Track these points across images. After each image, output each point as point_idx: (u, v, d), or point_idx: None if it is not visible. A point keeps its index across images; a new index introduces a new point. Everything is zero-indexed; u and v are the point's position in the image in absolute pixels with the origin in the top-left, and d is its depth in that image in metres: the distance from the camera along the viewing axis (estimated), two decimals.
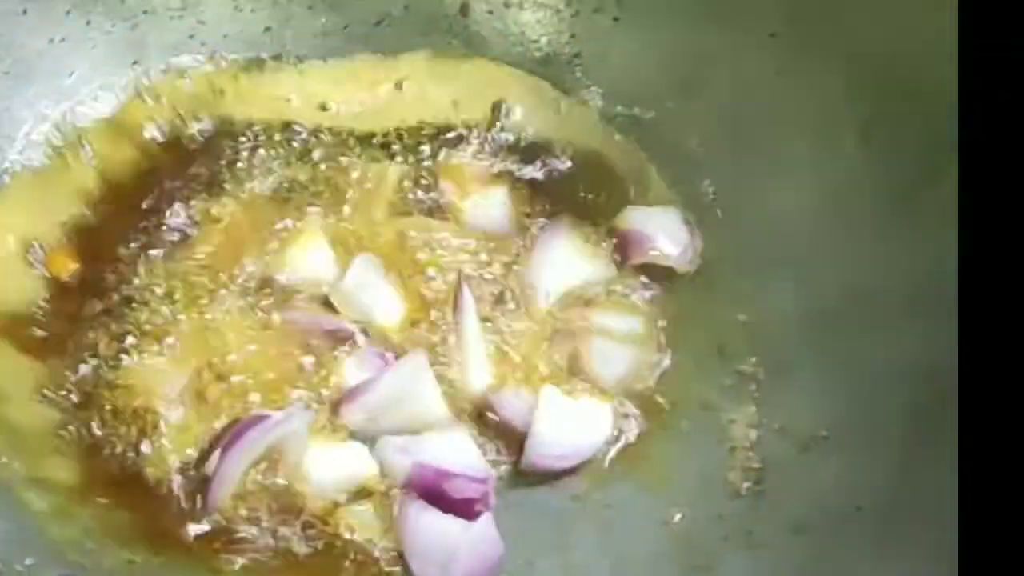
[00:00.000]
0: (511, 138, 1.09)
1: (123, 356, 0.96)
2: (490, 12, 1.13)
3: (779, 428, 0.96)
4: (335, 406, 0.94)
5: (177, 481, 0.91)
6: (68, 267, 0.98)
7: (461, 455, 0.92)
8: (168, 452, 0.93)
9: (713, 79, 1.07)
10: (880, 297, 0.94)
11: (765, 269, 1.02)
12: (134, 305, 0.99)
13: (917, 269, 0.91)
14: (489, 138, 1.09)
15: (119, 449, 0.93)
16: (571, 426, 0.95)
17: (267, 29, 1.12)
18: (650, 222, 1.04)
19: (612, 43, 1.11)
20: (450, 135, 1.10)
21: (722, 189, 1.06)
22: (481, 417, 0.97)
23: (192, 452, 0.93)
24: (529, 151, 1.09)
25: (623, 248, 1.03)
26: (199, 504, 0.91)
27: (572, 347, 1.00)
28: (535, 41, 1.13)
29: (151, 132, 1.07)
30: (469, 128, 1.10)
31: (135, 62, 1.09)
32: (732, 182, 1.06)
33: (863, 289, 0.96)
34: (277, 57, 1.13)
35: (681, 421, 0.99)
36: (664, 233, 1.04)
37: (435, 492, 0.90)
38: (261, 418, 0.92)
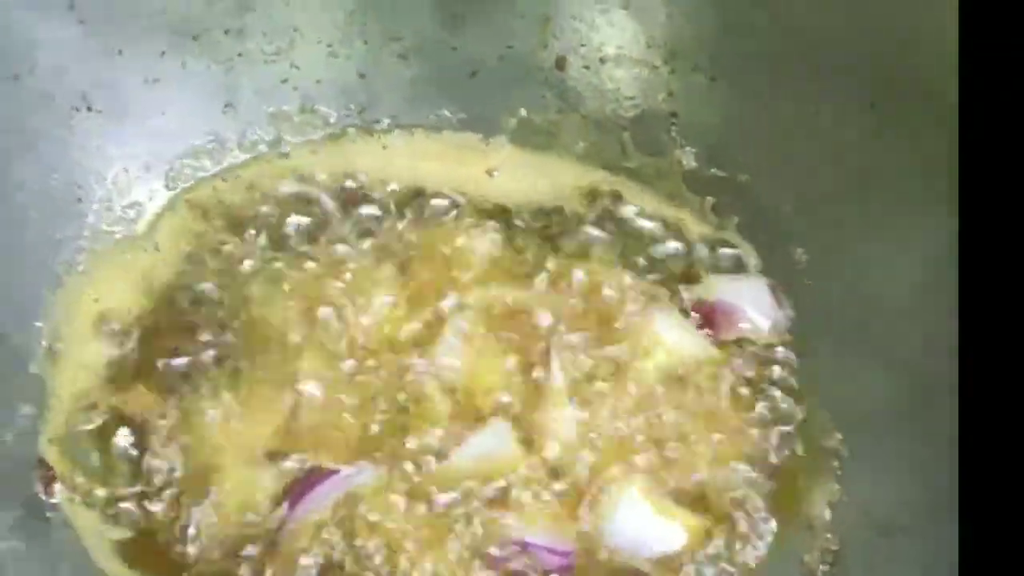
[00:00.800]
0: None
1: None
2: (586, 67, 1.12)
3: (860, 510, 0.92)
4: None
5: None
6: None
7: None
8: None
9: (808, 143, 1.04)
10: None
11: (854, 342, 0.98)
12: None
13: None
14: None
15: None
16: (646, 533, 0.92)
17: (361, 76, 1.11)
18: (738, 292, 1.01)
19: (708, 103, 1.09)
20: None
21: (814, 257, 1.03)
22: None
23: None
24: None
25: (711, 322, 1.00)
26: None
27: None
28: (631, 98, 1.12)
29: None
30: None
31: (228, 105, 1.08)
32: (824, 251, 1.03)
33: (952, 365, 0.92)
34: (366, 130, 1.11)
35: None
36: (753, 305, 1.01)
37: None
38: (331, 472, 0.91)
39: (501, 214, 1.08)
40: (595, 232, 1.07)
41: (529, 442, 0.95)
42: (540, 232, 1.06)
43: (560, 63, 1.12)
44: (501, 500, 0.92)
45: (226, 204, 1.07)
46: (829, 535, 0.93)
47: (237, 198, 1.07)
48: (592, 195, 1.09)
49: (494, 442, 0.94)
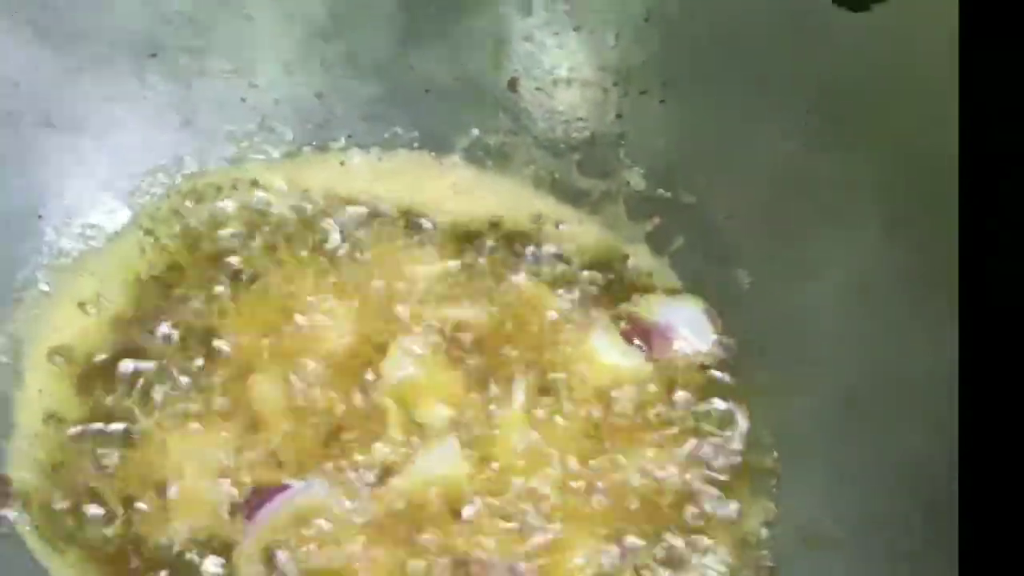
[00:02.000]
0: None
1: None
2: (538, 88, 1.14)
3: (795, 527, 0.95)
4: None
5: None
6: None
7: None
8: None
9: (753, 164, 1.07)
10: (901, 391, 0.94)
11: (792, 363, 1.02)
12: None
13: (936, 365, 0.90)
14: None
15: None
16: None
17: (318, 95, 1.13)
18: (674, 313, 1.05)
19: (657, 124, 1.12)
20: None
21: (756, 279, 1.06)
22: None
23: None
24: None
25: (647, 342, 1.03)
26: None
27: None
28: (581, 119, 1.14)
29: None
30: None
31: (186, 122, 1.10)
32: (768, 269, 1.06)
33: (884, 383, 0.95)
34: (322, 147, 1.13)
35: None
36: (688, 326, 1.04)
37: None
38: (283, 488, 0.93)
39: (453, 234, 1.09)
40: (540, 252, 1.08)
41: (480, 459, 0.97)
42: (489, 252, 1.08)
43: (512, 84, 1.14)
44: (452, 515, 0.94)
45: (184, 220, 1.08)
46: (764, 552, 0.95)
47: (193, 217, 1.08)
48: (539, 218, 1.10)
49: (444, 458, 0.96)
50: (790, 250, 1.05)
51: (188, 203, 1.09)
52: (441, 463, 0.96)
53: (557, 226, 1.12)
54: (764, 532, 0.96)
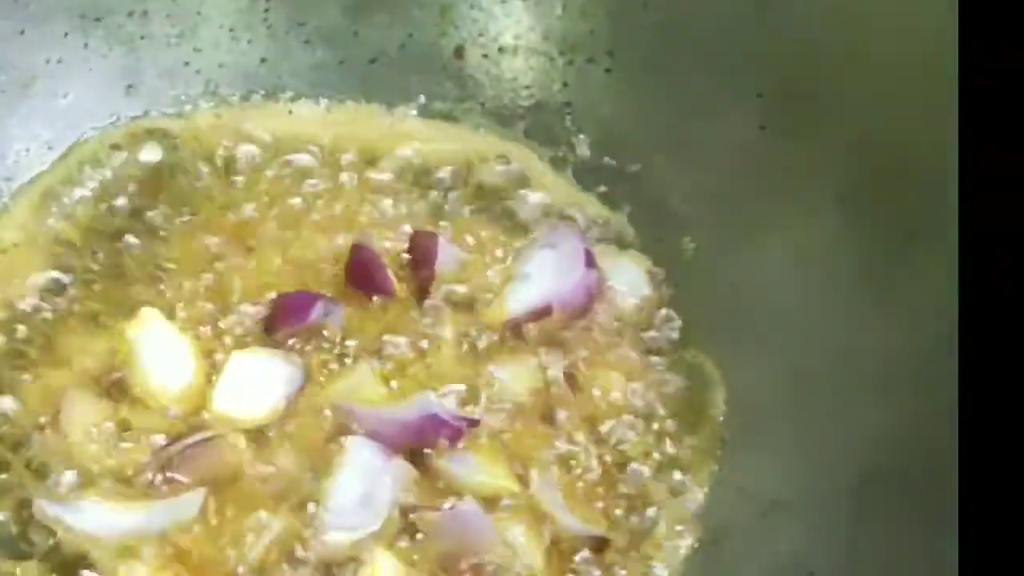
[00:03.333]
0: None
1: None
2: (484, 56, 1.14)
3: (738, 490, 0.96)
4: None
5: None
6: None
7: None
8: None
9: (700, 135, 1.07)
10: (852, 364, 0.95)
11: (740, 330, 1.02)
12: None
13: (884, 343, 0.92)
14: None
15: None
16: None
17: (263, 60, 1.13)
18: (615, 265, 1.06)
19: (603, 94, 1.13)
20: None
21: (702, 247, 1.06)
22: None
23: None
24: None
25: None
26: None
27: None
28: (527, 87, 1.14)
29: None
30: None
31: (130, 86, 1.10)
32: (713, 241, 1.06)
33: (835, 356, 0.96)
34: (271, 95, 1.13)
35: None
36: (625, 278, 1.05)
37: None
38: None
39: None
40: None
41: None
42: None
43: (459, 51, 1.15)
44: None
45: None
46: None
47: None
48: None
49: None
50: (737, 222, 1.05)
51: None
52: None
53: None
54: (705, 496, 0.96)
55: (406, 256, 1.05)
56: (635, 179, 1.11)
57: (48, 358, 0.96)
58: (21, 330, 0.98)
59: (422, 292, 1.03)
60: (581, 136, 1.13)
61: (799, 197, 1.02)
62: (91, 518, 0.88)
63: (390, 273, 1.03)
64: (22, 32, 1.06)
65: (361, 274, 1.02)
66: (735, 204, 1.06)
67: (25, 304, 1.00)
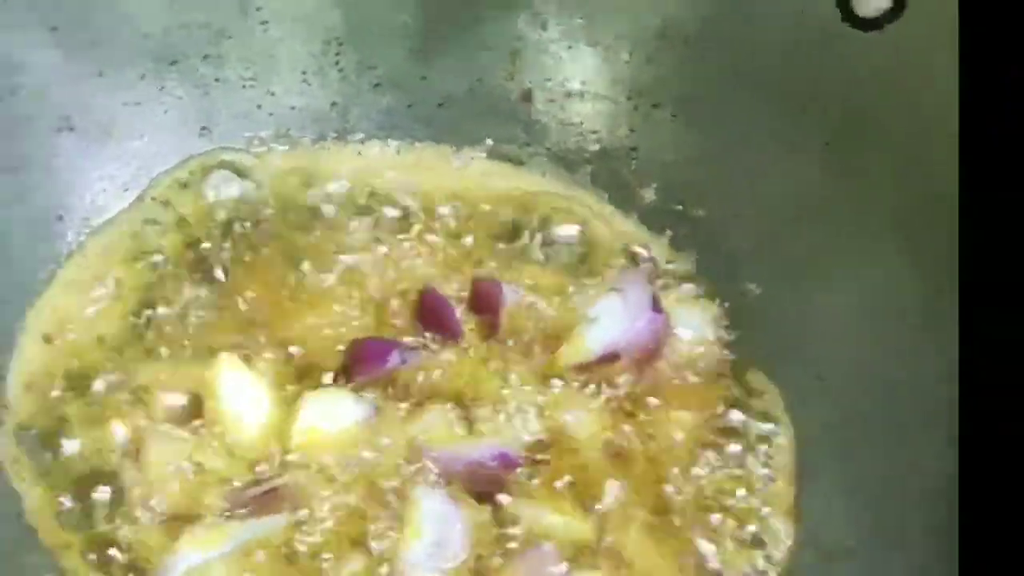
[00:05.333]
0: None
1: None
2: (551, 101, 1.16)
3: (807, 533, 0.97)
4: None
5: None
6: None
7: None
8: None
9: (764, 181, 1.09)
10: (909, 410, 0.96)
11: (805, 374, 1.03)
12: None
13: (941, 388, 0.92)
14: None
15: None
16: None
17: (333, 104, 1.15)
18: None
19: (668, 139, 1.14)
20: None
21: (767, 290, 1.08)
22: None
23: None
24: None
25: None
26: None
27: None
28: (594, 132, 1.16)
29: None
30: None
31: (204, 128, 1.12)
32: (776, 284, 1.08)
33: (892, 402, 0.97)
34: (341, 137, 1.15)
35: None
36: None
37: None
38: None
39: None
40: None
41: None
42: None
43: (526, 96, 1.16)
44: None
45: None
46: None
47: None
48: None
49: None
50: (800, 265, 1.07)
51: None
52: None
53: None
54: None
55: (470, 300, 1.06)
56: (700, 223, 1.12)
57: (130, 397, 0.97)
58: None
59: (489, 337, 1.03)
60: (647, 181, 1.13)
61: (861, 239, 1.04)
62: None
63: (459, 316, 1.03)
64: (100, 74, 1.08)
65: (431, 317, 1.03)
66: (798, 247, 1.07)
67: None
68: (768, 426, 1.02)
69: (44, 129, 1.06)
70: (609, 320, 1.04)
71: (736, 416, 1.03)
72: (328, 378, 0.99)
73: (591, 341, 1.04)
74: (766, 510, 0.98)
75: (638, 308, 1.05)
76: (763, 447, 1.01)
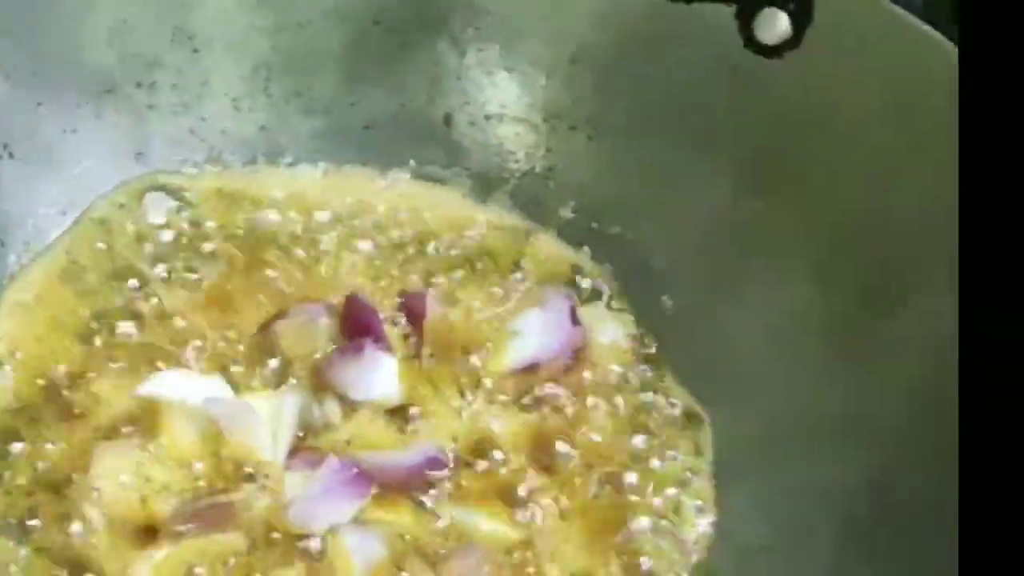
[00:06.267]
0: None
1: None
2: (471, 124, 1.22)
3: (723, 533, 1.03)
4: None
5: None
6: None
7: None
8: None
9: (678, 199, 1.15)
10: (822, 422, 1.03)
11: (717, 384, 1.10)
12: None
13: (859, 400, 1.00)
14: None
15: None
16: None
17: (262, 128, 1.20)
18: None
19: (584, 159, 1.20)
20: None
21: (681, 305, 1.14)
22: None
23: None
24: None
25: None
26: None
27: None
28: (512, 152, 1.21)
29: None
30: None
31: (139, 154, 1.16)
32: (691, 299, 1.14)
33: (804, 413, 1.04)
34: (272, 160, 1.20)
35: None
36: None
37: None
38: None
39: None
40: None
41: None
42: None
43: (447, 120, 1.22)
44: None
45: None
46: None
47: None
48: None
49: None
50: (714, 282, 1.12)
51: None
52: None
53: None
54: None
55: (399, 316, 1.11)
56: (616, 241, 1.18)
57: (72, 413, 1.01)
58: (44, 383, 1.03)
59: (416, 349, 1.09)
60: (564, 199, 1.20)
61: (774, 258, 1.10)
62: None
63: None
64: (39, 103, 1.11)
65: (356, 324, 1.08)
66: (713, 264, 1.13)
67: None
68: (687, 431, 1.08)
69: None
70: (531, 333, 1.10)
71: (652, 424, 1.09)
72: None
73: (514, 352, 1.09)
74: (688, 505, 1.04)
75: (557, 322, 1.10)
76: (681, 448, 1.07)
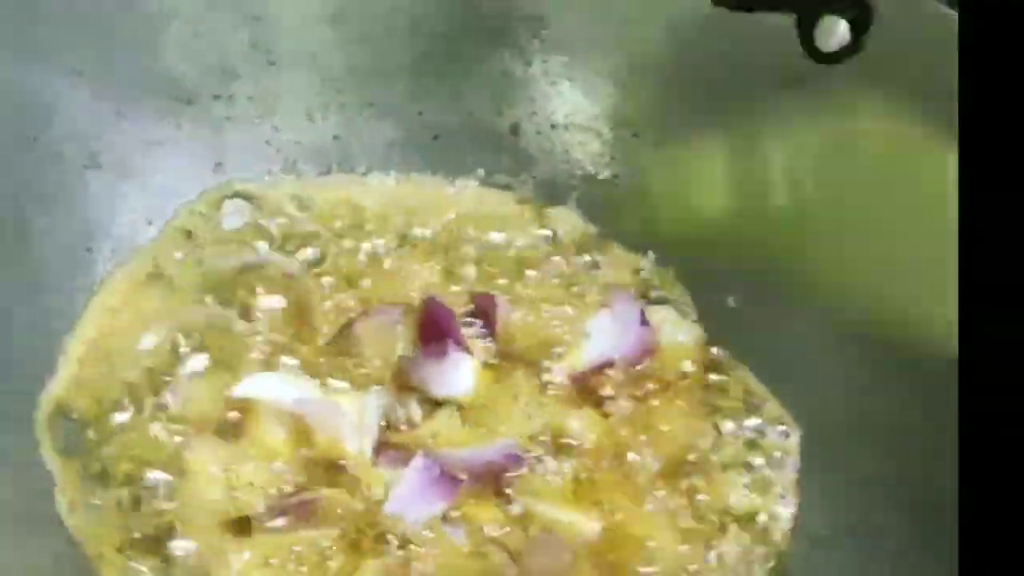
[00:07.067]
0: None
1: None
2: (538, 132, 1.25)
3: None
4: None
5: None
6: None
7: None
8: None
9: (744, 206, 1.18)
10: (878, 420, 1.06)
11: (779, 384, 1.13)
12: None
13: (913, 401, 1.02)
14: None
15: None
16: None
17: (335, 138, 1.23)
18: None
19: (649, 166, 1.23)
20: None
21: (744, 305, 1.17)
22: None
23: None
24: None
25: None
26: None
27: None
28: (578, 160, 1.25)
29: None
30: None
31: (218, 164, 1.20)
32: (754, 303, 1.17)
33: (866, 412, 1.07)
34: (344, 169, 1.24)
35: None
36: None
37: None
38: None
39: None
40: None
41: None
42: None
43: (514, 129, 1.25)
44: None
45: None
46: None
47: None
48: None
49: None
50: (777, 286, 1.15)
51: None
52: None
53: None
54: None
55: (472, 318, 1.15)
56: (679, 243, 1.21)
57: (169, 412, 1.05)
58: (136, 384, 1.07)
59: (489, 350, 1.12)
60: (629, 206, 1.23)
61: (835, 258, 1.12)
62: None
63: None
64: (123, 115, 1.15)
65: (434, 326, 1.11)
66: (773, 265, 1.16)
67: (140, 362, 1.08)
68: (755, 421, 1.11)
69: (74, 166, 1.13)
70: (601, 334, 1.13)
71: (729, 424, 1.12)
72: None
73: (585, 352, 1.12)
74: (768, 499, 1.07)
75: (627, 322, 1.14)
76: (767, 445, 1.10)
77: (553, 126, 1.25)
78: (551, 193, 1.25)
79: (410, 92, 1.25)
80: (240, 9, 1.19)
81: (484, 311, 1.14)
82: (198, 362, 1.08)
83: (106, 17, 1.14)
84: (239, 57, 1.21)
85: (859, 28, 1.09)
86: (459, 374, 1.07)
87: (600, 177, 1.24)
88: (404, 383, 1.08)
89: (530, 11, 1.23)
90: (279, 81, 1.22)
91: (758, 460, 1.09)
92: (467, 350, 1.09)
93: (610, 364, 1.12)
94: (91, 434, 1.03)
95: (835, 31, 1.09)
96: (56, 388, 1.05)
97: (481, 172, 1.25)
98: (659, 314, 1.17)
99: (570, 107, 1.26)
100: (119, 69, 1.15)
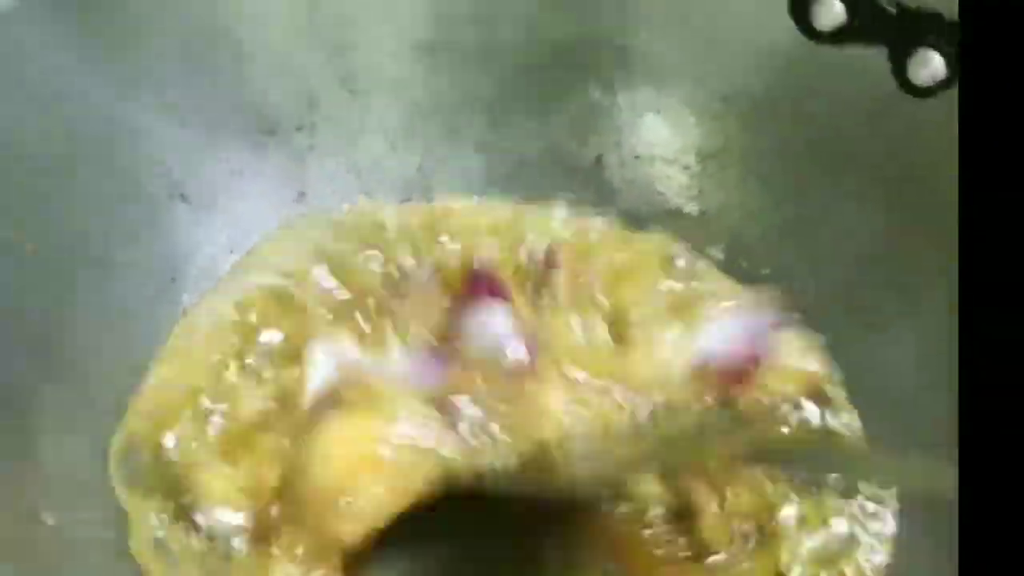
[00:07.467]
0: None
1: None
2: (622, 164, 1.23)
3: None
4: None
5: None
6: None
7: None
8: None
9: (826, 237, 1.17)
10: None
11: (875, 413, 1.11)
12: None
13: None
14: None
15: None
16: None
17: (418, 169, 1.22)
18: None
19: (735, 200, 1.21)
20: None
21: (832, 341, 1.15)
22: None
23: None
24: None
25: None
26: None
27: None
28: (662, 193, 1.23)
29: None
30: None
31: (300, 194, 1.19)
32: (840, 336, 1.15)
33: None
34: (426, 198, 1.23)
35: None
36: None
37: None
38: None
39: None
40: None
41: None
42: None
43: (598, 160, 1.24)
44: None
45: None
46: None
47: None
48: None
49: None
50: (863, 319, 1.13)
51: None
52: None
53: None
54: None
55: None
56: (766, 280, 1.19)
57: None
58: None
59: None
60: (715, 240, 1.21)
61: (917, 292, 1.11)
62: None
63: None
64: (208, 144, 1.15)
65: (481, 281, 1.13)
66: (861, 300, 1.15)
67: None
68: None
69: (159, 196, 1.13)
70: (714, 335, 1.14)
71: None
72: None
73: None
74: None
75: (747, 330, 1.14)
76: None
77: (637, 157, 1.24)
78: (636, 225, 1.23)
79: (492, 122, 1.23)
80: (326, 39, 1.18)
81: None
82: None
83: (196, 50, 1.13)
84: (321, 87, 1.20)
85: (954, 61, 1.07)
86: None
87: (685, 210, 1.22)
88: None
89: (618, 42, 1.21)
90: (361, 111, 1.21)
91: None
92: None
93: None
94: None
95: (929, 65, 1.07)
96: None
97: (564, 203, 1.23)
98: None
99: (655, 139, 1.24)
100: (205, 100, 1.15)
